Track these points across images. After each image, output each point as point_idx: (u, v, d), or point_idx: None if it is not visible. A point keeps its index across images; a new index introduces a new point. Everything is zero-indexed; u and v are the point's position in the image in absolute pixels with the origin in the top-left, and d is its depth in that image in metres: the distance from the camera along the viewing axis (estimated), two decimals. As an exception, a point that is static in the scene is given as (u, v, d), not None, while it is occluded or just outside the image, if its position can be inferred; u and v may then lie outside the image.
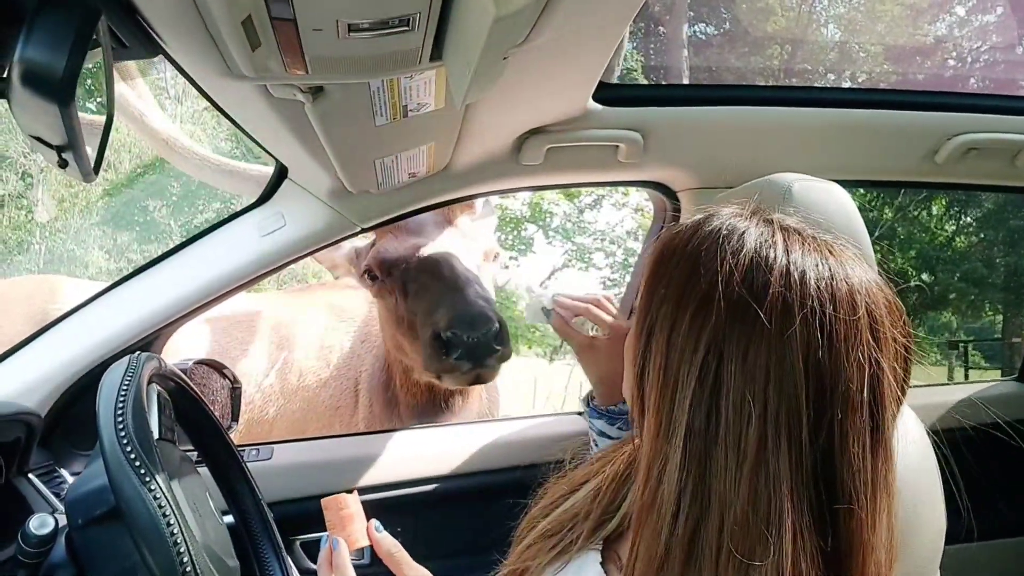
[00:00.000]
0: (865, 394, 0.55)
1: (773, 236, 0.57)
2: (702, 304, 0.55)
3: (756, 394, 0.53)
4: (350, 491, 0.87)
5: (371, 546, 0.84)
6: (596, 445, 1.08)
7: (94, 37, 0.55)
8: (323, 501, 0.84)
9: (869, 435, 0.56)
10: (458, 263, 1.60)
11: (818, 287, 0.54)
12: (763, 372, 0.53)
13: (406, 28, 0.66)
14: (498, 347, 1.46)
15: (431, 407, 1.83)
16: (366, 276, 1.77)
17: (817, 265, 0.56)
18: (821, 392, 0.53)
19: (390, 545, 0.79)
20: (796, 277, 0.54)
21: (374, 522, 0.81)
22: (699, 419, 0.54)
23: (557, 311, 1.06)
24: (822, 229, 0.62)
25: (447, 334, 1.46)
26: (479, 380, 1.54)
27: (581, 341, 1.06)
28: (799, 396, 0.53)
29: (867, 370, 0.55)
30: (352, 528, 0.81)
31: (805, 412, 0.53)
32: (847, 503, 0.54)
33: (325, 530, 1.45)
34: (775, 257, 0.55)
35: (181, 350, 2.00)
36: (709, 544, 0.53)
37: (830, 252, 0.58)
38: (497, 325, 1.46)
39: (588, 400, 1.10)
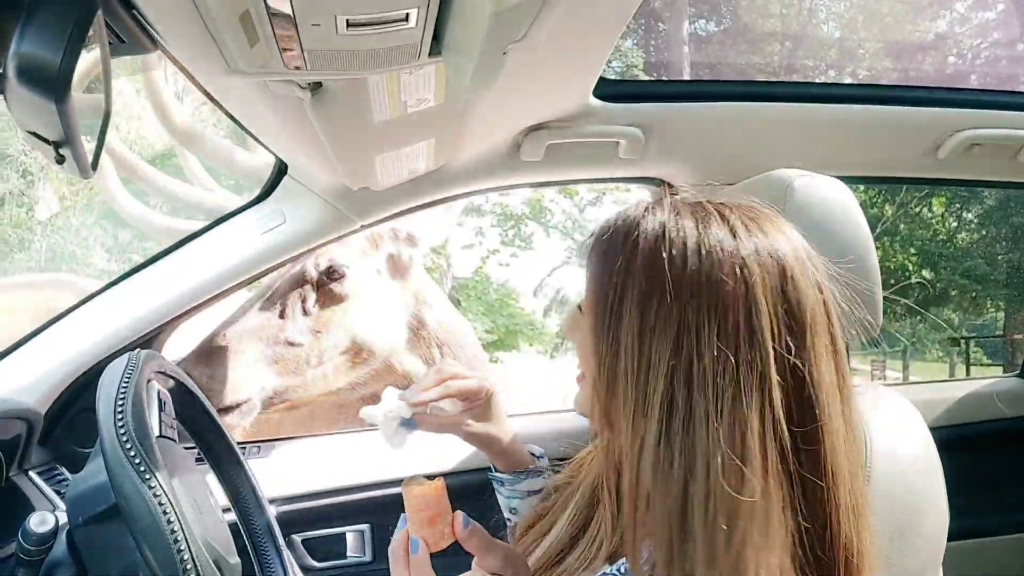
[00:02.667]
0: (824, 319, 0.62)
1: (707, 218, 0.63)
2: (665, 289, 0.59)
3: (730, 344, 0.57)
4: (432, 477, 0.74)
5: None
6: (514, 512, 0.99)
7: (91, 33, 0.55)
8: (406, 494, 0.71)
9: (832, 355, 0.62)
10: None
11: (767, 243, 0.62)
12: (734, 325, 0.58)
13: (405, 23, 0.65)
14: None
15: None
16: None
17: (759, 228, 0.63)
18: (792, 323, 0.59)
19: (478, 538, 0.69)
20: (746, 242, 0.61)
21: (460, 516, 0.70)
22: (680, 383, 0.58)
23: (418, 411, 0.89)
24: (748, 200, 0.68)
25: None
26: None
27: (463, 426, 0.94)
28: (764, 334, 0.58)
29: (821, 298, 0.62)
30: (433, 530, 0.70)
31: (772, 351, 0.58)
32: (820, 420, 0.59)
33: (328, 528, 1.46)
34: (720, 232, 0.61)
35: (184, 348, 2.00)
36: (699, 496, 0.56)
37: (764, 218, 0.65)
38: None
39: (495, 469, 1.01)
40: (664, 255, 0.60)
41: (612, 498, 0.73)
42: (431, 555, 0.69)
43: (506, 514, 1.02)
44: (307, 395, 1.69)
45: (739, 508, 0.55)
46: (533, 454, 1.01)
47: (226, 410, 1.50)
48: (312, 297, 1.64)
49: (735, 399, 0.57)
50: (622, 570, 0.66)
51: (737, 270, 0.59)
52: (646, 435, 0.59)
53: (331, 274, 1.65)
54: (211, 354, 1.52)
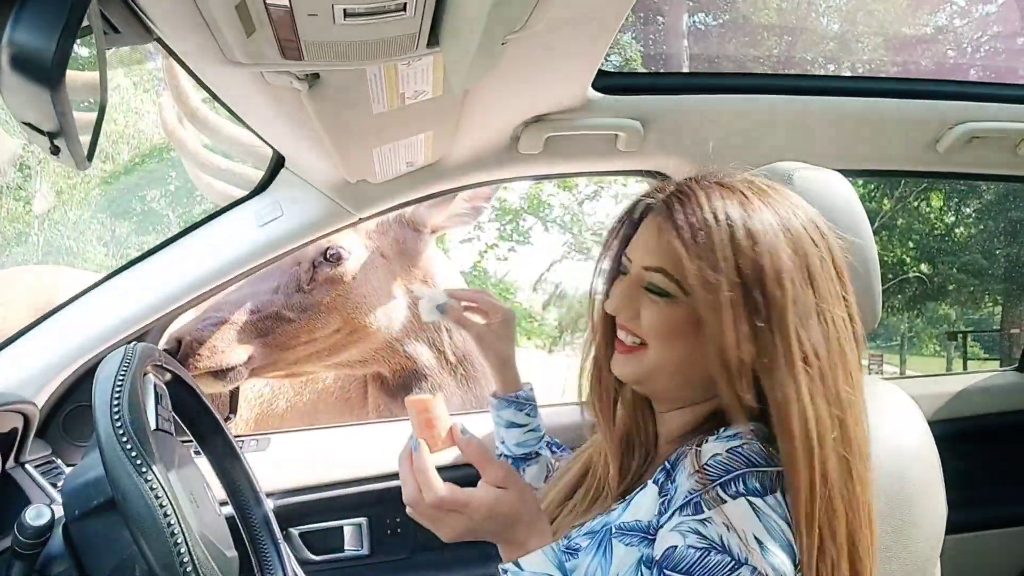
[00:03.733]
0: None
1: (775, 205, 0.77)
2: (776, 272, 0.72)
3: (824, 301, 0.73)
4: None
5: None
6: (503, 443, 1.13)
7: (86, 22, 0.54)
8: (407, 401, 0.80)
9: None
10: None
11: (814, 220, 0.78)
12: (819, 286, 0.74)
13: (402, 13, 0.65)
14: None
15: (397, 404, 1.87)
16: None
17: (795, 206, 0.78)
18: (841, 279, 0.76)
19: (475, 449, 0.77)
20: (807, 221, 0.77)
21: (458, 425, 0.79)
22: (805, 335, 0.72)
23: (451, 304, 1.11)
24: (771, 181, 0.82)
25: None
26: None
27: (479, 329, 1.11)
28: (837, 290, 0.74)
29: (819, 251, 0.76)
30: (432, 432, 0.78)
31: (842, 296, 0.75)
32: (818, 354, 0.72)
33: (326, 521, 1.46)
34: (790, 216, 0.76)
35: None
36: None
37: (783, 195, 0.79)
38: (170, 345, 1.57)
39: (493, 395, 1.14)
40: (765, 241, 0.73)
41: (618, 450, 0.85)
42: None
43: (497, 443, 1.15)
44: (302, 368, 1.74)
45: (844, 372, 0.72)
46: (523, 391, 1.14)
47: (212, 375, 1.58)
48: (308, 276, 1.69)
49: (835, 327, 0.73)
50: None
51: (815, 248, 0.75)
52: (788, 380, 0.71)
53: (329, 256, 1.69)
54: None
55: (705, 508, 0.67)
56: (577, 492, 0.88)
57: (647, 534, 0.72)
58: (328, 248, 1.69)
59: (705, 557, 0.66)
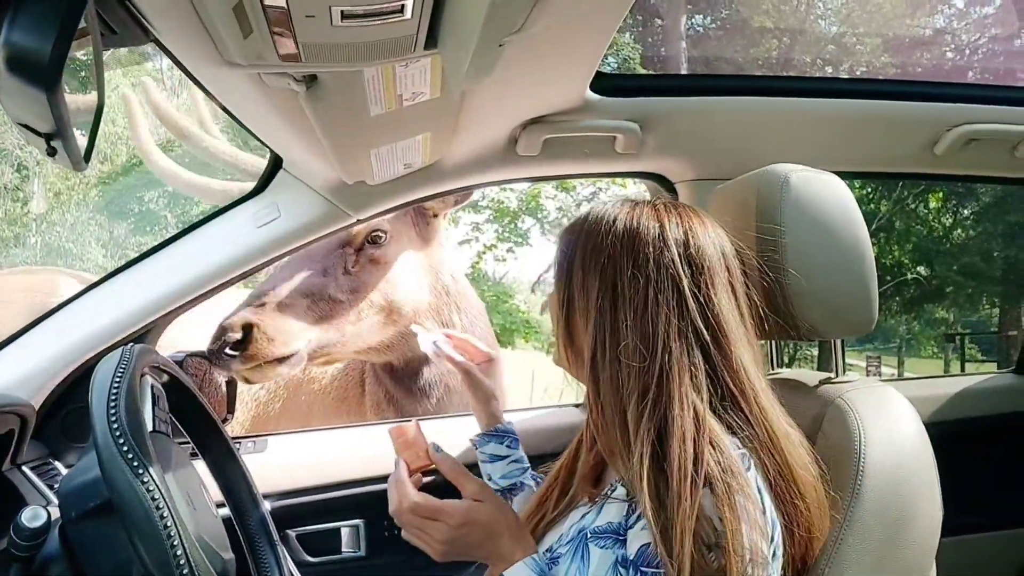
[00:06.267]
0: (722, 265, 0.81)
1: (636, 206, 0.84)
2: (598, 244, 0.81)
3: (642, 271, 0.78)
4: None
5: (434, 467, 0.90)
6: (489, 478, 1.17)
7: (83, 23, 0.54)
8: (389, 430, 0.93)
9: (731, 292, 0.81)
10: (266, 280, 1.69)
11: (679, 218, 0.82)
12: (646, 258, 0.79)
13: (400, 14, 0.65)
14: (233, 354, 1.57)
15: (403, 387, 1.89)
16: None
17: (676, 215, 0.83)
18: (692, 263, 0.79)
19: (449, 464, 0.86)
20: (662, 217, 0.82)
21: (433, 444, 0.88)
22: (606, 300, 0.79)
23: (443, 344, 1.20)
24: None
25: (208, 347, 1.58)
26: (250, 380, 1.66)
27: (467, 366, 1.18)
28: (675, 266, 0.78)
29: (722, 258, 0.81)
30: (409, 452, 0.89)
31: (682, 273, 0.78)
32: (723, 335, 0.78)
33: (321, 523, 1.46)
34: (640, 213, 0.82)
35: (178, 342, 2.00)
36: (616, 381, 0.78)
37: (685, 211, 0.84)
38: (235, 335, 1.58)
39: (476, 434, 1.20)
40: (602, 225, 0.82)
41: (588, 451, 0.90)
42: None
43: (484, 479, 1.18)
44: (344, 351, 1.77)
45: (653, 378, 0.76)
46: (502, 425, 1.19)
47: (277, 361, 1.61)
48: (352, 258, 1.72)
49: (652, 308, 0.77)
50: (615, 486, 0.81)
51: (653, 229, 0.80)
52: (587, 340, 0.81)
53: (373, 238, 1.74)
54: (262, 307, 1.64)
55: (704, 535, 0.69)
56: (552, 493, 0.92)
57: (619, 535, 0.75)
58: (374, 230, 1.73)
59: None
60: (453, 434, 1.55)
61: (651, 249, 0.79)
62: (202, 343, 2.00)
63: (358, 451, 1.52)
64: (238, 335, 1.57)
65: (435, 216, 1.89)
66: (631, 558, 0.72)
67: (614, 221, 0.82)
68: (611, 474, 0.85)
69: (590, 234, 0.83)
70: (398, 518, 0.82)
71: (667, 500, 0.70)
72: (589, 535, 0.78)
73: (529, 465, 1.18)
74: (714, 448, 0.72)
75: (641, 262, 0.79)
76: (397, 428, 0.92)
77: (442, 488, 0.85)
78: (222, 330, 1.58)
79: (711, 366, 0.77)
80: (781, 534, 0.74)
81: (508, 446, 1.17)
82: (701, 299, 0.78)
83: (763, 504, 0.72)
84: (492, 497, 0.82)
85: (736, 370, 0.78)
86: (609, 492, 0.81)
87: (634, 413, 0.76)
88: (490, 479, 1.17)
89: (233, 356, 1.56)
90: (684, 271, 0.78)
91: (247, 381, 1.64)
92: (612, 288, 0.79)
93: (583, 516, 0.82)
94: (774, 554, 0.72)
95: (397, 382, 1.90)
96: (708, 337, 0.77)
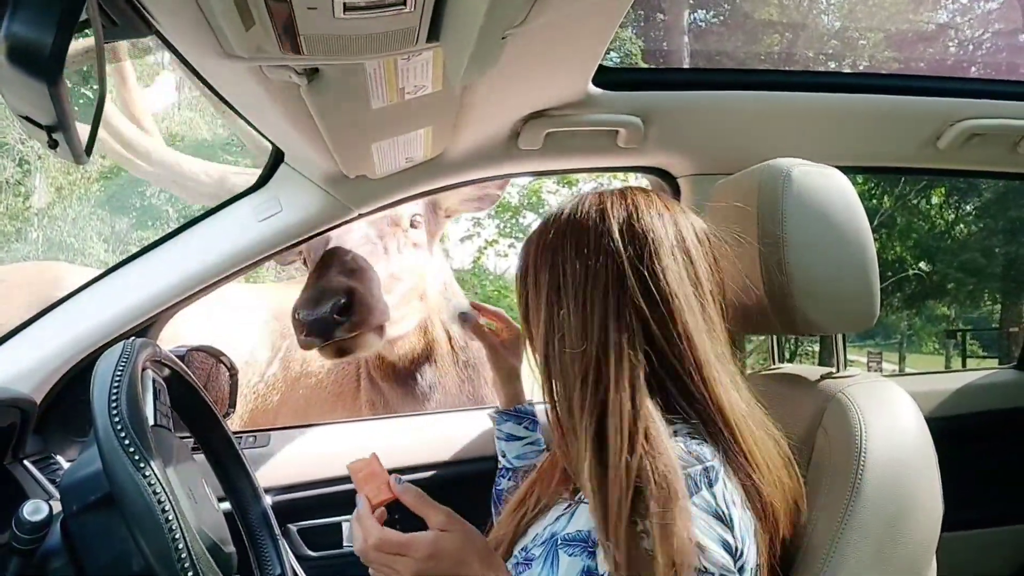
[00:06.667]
0: (673, 241, 0.79)
1: (585, 196, 0.84)
2: (544, 233, 0.83)
3: (584, 257, 0.78)
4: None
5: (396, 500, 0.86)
6: (504, 455, 1.18)
7: (84, 15, 0.54)
8: (348, 466, 0.89)
9: (684, 266, 0.79)
10: (333, 248, 1.60)
11: (625, 200, 0.82)
12: (586, 243, 0.78)
13: (402, 7, 0.65)
14: (341, 319, 1.47)
15: (402, 377, 1.86)
16: (302, 261, 1.78)
17: (627, 197, 0.83)
18: (637, 240, 0.78)
19: (413, 495, 0.82)
20: (608, 199, 0.82)
21: (394, 477, 0.85)
22: (552, 291, 0.80)
23: (472, 315, 1.22)
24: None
25: (298, 316, 1.49)
26: (346, 352, 1.56)
27: (492, 341, 1.20)
28: (616, 247, 0.77)
29: (674, 230, 0.80)
30: (370, 487, 0.85)
31: (624, 254, 0.77)
32: (670, 304, 0.76)
33: (323, 517, 1.47)
34: (589, 199, 0.83)
35: (180, 335, 2.00)
36: (562, 358, 0.78)
37: (642, 194, 0.83)
38: (341, 299, 1.47)
39: (496, 410, 1.21)
40: (550, 219, 0.84)
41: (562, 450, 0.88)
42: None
43: (499, 456, 1.21)
44: (401, 331, 1.73)
45: (591, 361, 0.76)
46: (523, 405, 1.20)
47: (377, 330, 1.57)
48: (404, 239, 1.70)
49: (590, 291, 0.77)
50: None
51: (595, 215, 0.80)
52: (538, 340, 0.82)
53: (413, 222, 1.73)
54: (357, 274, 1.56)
55: (639, 521, 0.69)
56: (534, 489, 0.91)
57: (588, 544, 0.75)
58: (414, 213, 1.72)
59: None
60: (453, 431, 1.56)
61: (592, 234, 0.79)
62: (201, 339, 2.00)
63: (360, 446, 1.52)
64: (343, 299, 1.48)
65: (447, 217, 1.86)
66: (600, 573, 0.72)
67: (561, 214, 0.83)
68: None
69: (541, 232, 0.84)
70: (364, 556, 0.80)
71: (605, 487, 0.70)
72: (559, 541, 0.78)
73: (546, 447, 1.17)
74: (648, 441, 0.71)
75: (583, 248, 0.79)
76: (356, 464, 0.89)
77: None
78: (321, 294, 1.48)
79: (653, 344, 0.76)
80: (754, 534, 0.73)
81: (526, 427, 1.17)
82: (644, 272, 0.77)
83: (729, 519, 0.70)
84: (458, 525, 0.80)
85: (682, 348, 0.76)
86: (582, 496, 0.79)
87: (577, 401, 0.76)
88: (504, 456, 1.18)
89: (340, 322, 1.47)
90: (624, 248, 0.78)
91: (343, 353, 1.55)
92: (557, 279, 0.79)
93: (557, 518, 0.82)
94: (741, 568, 0.71)
95: (397, 383, 1.87)
96: (648, 313, 0.76)
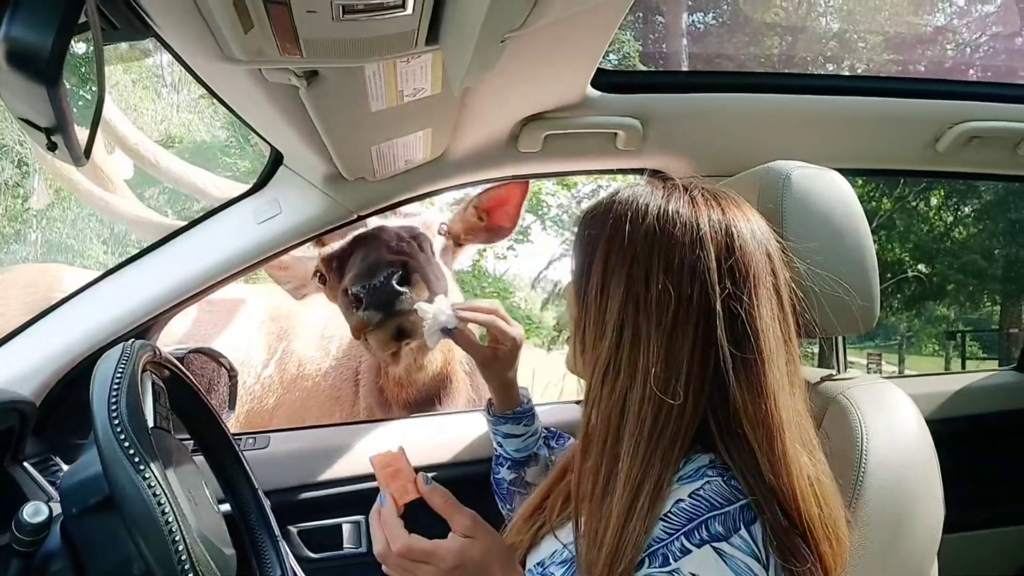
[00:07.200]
0: (770, 277, 0.72)
1: (673, 190, 0.74)
2: (625, 237, 0.71)
3: (674, 280, 0.69)
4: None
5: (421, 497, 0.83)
6: (501, 447, 1.16)
7: (83, 18, 0.54)
8: (371, 459, 0.84)
9: (776, 306, 0.72)
10: (376, 229, 1.56)
11: (723, 213, 0.72)
12: (680, 265, 0.69)
13: (401, 10, 0.65)
14: (403, 288, 1.42)
15: (417, 404, 1.83)
16: (318, 279, 1.71)
17: (720, 205, 0.73)
18: (734, 273, 0.69)
19: (440, 497, 0.79)
20: (702, 207, 0.72)
21: (421, 476, 0.81)
22: (630, 310, 0.70)
23: (460, 326, 1.08)
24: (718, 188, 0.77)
25: (352, 290, 1.43)
26: (402, 334, 1.48)
27: (485, 354, 1.11)
28: (711, 278, 0.69)
29: (768, 261, 0.72)
30: (396, 485, 0.81)
31: (719, 287, 0.68)
32: (758, 354, 0.69)
33: (323, 519, 1.46)
34: (680, 199, 0.73)
35: (177, 335, 2.00)
36: (634, 400, 0.69)
37: (728, 200, 0.75)
38: (397, 269, 1.43)
39: (489, 409, 1.16)
40: (629, 214, 0.72)
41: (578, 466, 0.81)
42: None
43: (495, 448, 1.18)
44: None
45: (664, 409, 0.67)
46: (522, 405, 1.15)
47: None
48: (435, 243, 1.68)
49: (675, 324, 0.68)
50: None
51: (689, 226, 0.70)
52: (601, 354, 0.71)
53: (441, 229, 1.72)
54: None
55: (672, 560, 0.65)
56: (556, 502, 0.85)
57: None
58: (442, 222, 1.71)
59: None
60: (452, 433, 1.56)
61: (686, 252, 0.69)
62: (198, 340, 2.00)
63: (360, 447, 1.52)
64: (399, 270, 1.43)
65: (459, 246, 1.84)
66: None
67: (645, 212, 0.72)
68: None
69: (616, 226, 0.72)
70: (385, 560, 0.77)
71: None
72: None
73: (544, 432, 1.16)
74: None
75: (674, 268, 0.69)
76: (381, 457, 0.84)
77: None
78: (375, 264, 1.42)
79: (726, 397, 0.68)
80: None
81: (525, 424, 1.14)
82: (739, 316, 0.68)
83: (766, 561, 0.65)
84: (483, 531, 0.78)
85: (765, 410, 0.68)
86: None
87: (629, 445, 0.68)
88: (501, 447, 1.16)
89: (402, 292, 1.41)
90: (721, 279, 0.69)
91: (401, 336, 1.48)
92: (638, 295, 0.70)
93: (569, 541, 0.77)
94: None
95: (404, 395, 1.82)
96: (730, 366, 0.68)
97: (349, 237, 1.61)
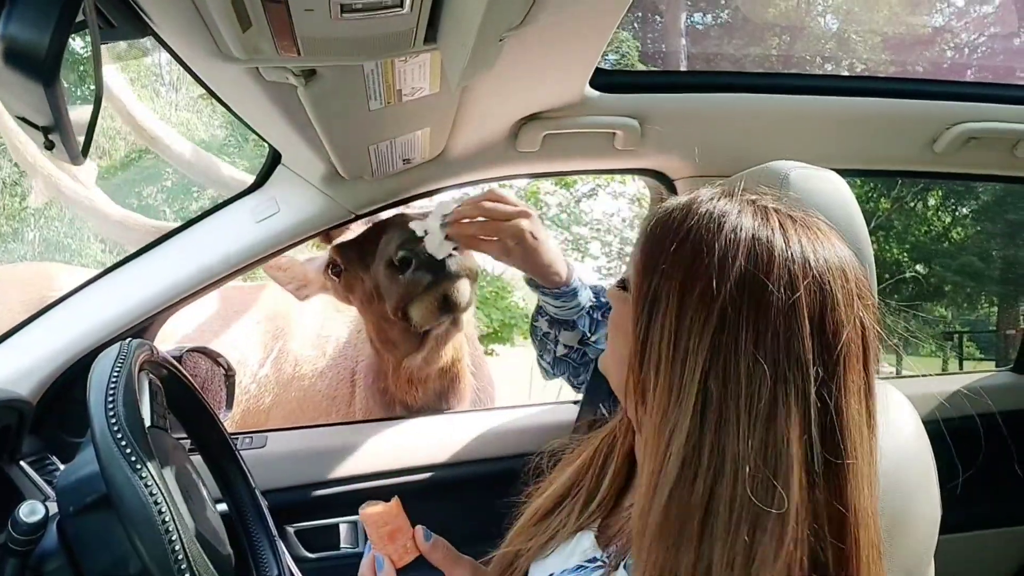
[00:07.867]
0: (859, 352, 0.59)
1: (767, 219, 0.61)
2: (710, 282, 0.58)
3: (767, 357, 0.56)
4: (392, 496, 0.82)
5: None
6: (544, 302, 1.14)
7: (81, 16, 0.54)
8: (363, 515, 0.77)
9: (863, 392, 0.59)
10: (396, 216, 1.51)
11: (816, 259, 0.59)
12: (774, 337, 0.56)
13: (399, 8, 0.65)
14: (454, 252, 1.34)
15: (424, 404, 1.81)
16: (330, 272, 1.67)
17: (812, 242, 0.61)
18: (826, 351, 0.57)
19: (441, 553, 0.75)
20: (796, 252, 0.59)
21: (420, 530, 0.76)
22: (714, 384, 0.57)
23: (461, 228, 1.08)
24: (804, 210, 0.66)
25: (398, 255, 1.37)
26: (448, 304, 1.41)
27: (498, 249, 1.09)
28: (806, 356, 0.56)
29: (859, 330, 0.59)
30: (396, 545, 0.75)
31: (812, 370, 0.56)
32: (845, 459, 0.57)
33: (320, 519, 1.46)
34: (772, 236, 0.60)
35: (176, 334, 2.00)
36: (724, 500, 0.55)
37: (818, 231, 0.63)
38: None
39: (534, 283, 1.15)
40: (716, 245, 0.59)
41: (597, 473, 0.76)
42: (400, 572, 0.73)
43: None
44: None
45: (762, 520, 0.54)
46: (567, 286, 1.12)
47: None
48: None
49: (771, 412, 0.56)
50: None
51: (782, 282, 0.57)
52: (677, 426, 0.58)
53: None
54: None
55: None
56: (564, 503, 0.79)
57: None
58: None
59: None
60: (452, 433, 1.56)
61: (780, 323, 0.56)
62: (195, 339, 2.00)
63: (357, 447, 1.52)
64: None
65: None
66: None
67: (735, 253, 0.58)
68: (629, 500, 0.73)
69: (695, 261, 0.59)
70: None
71: None
72: None
73: (588, 308, 1.16)
74: None
75: (764, 340, 0.56)
76: (375, 514, 0.75)
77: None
78: (412, 233, 1.33)
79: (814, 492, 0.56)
80: None
81: (563, 301, 1.13)
82: (830, 402, 0.56)
83: None
84: None
85: (836, 525, 0.56)
86: (626, 561, 0.67)
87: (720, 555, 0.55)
88: (543, 306, 1.17)
89: (454, 254, 1.33)
90: (815, 360, 0.56)
91: (446, 305, 1.41)
92: (724, 374, 0.57)
93: (591, 559, 0.71)
94: None
95: (414, 394, 1.77)
96: (822, 463, 0.56)
97: (366, 226, 1.57)
